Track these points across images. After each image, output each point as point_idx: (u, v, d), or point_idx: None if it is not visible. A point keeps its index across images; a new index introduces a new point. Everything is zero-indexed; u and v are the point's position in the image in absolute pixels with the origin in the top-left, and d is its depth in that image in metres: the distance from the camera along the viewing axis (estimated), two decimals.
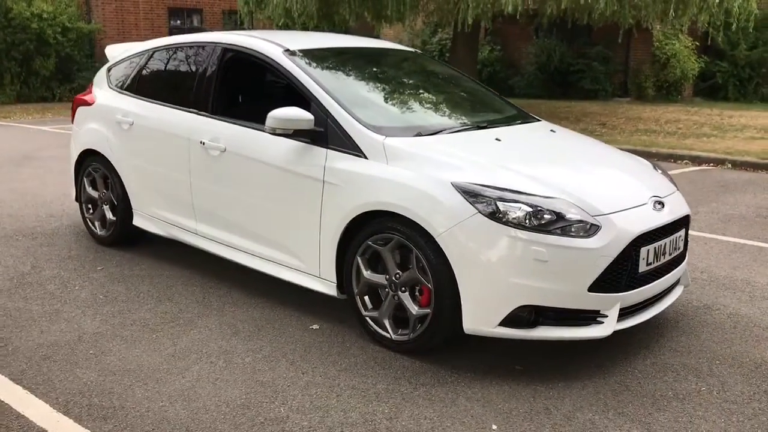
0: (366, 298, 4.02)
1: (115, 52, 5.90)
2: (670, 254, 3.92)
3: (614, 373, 3.69)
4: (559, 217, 3.49)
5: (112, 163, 5.47)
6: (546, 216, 3.48)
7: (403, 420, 3.21)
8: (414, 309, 3.77)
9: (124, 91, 5.51)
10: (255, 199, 4.46)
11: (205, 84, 4.86)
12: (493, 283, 3.50)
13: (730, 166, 10.53)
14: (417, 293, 3.79)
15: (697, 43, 19.59)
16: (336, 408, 3.31)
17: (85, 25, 20.04)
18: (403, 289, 3.82)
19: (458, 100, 4.95)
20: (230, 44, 4.85)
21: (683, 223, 4.07)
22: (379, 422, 3.19)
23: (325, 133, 4.11)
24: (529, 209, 3.49)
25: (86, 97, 5.83)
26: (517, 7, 13.12)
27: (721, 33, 14.86)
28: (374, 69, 4.95)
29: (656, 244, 3.76)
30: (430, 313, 3.69)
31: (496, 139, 4.23)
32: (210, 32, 5.38)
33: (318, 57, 4.67)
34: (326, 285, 4.19)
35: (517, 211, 3.49)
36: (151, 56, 5.41)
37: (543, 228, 3.47)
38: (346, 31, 21.07)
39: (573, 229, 3.49)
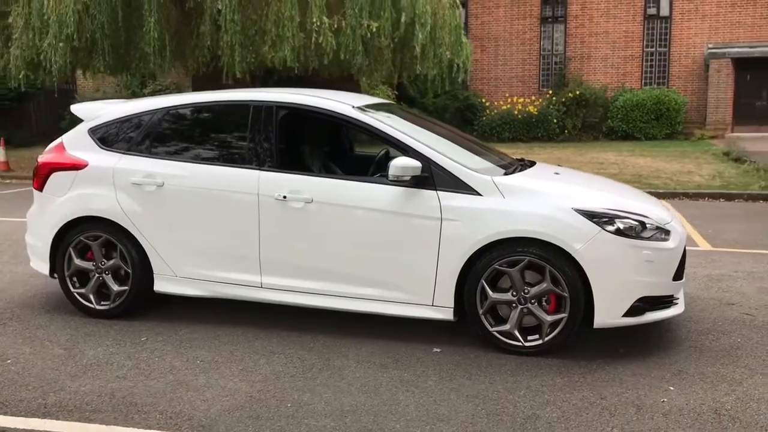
0: (488, 316, 4.68)
1: (89, 112, 5.52)
2: None
3: (681, 342, 4.90)
4: (645, 227, 4.61)
5: (125, 228, 5.19)
6: (642, 227, 4.58)
7: (614, 396, 4.03)
8: (546, 317, 4.56)
9: (132, 152, 5.26)
10: (353, 242, 4.79)
11: (263, 141, 5.00)
12: (620, 283, 4.49)
13: None
14: (544, 303, 4.59)
15: (397, 93, 22.31)
16: (560, 399, 3.98)
17: None
18: (532, 301, 4.58)
19: (477, 144, 5.77)
20: (287, 102, 5.07)
21: None
22: (599, 402, 3.96)
23: (431, 177, 4.69)
24: (634, 223, 4.56)
25: (64, 161, 5.37)
26: (285, 62, 14.00)
27: (427, 82, 17.46)
28: (411, 120, 5.51)
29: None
30: (566, 317, 4.52)
31: (556, 173, 5.23)
32: (242, 90, 5.42)
33: (375, 110, 5.16)
34: (441, 311, 4.73)
35: (626, 226, 4.53)
36: (166, 116, 5.27)
37: (643, 236, 4.56)
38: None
39: (659, 235, 4.64)
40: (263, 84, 20.35)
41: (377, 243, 4.77)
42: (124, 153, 5.29)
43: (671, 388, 4.15)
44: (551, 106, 22.14)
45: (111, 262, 5.30)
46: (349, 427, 3.67)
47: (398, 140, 4.83)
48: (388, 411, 3.86)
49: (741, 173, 14.33)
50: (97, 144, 5.38)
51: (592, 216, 4.51)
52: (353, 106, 5.04)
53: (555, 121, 21.96)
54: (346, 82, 19.31)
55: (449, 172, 4.70)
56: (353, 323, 5.15)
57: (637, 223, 4.57)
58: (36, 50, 13.43)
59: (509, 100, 22.74)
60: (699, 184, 13.10)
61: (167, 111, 5.30)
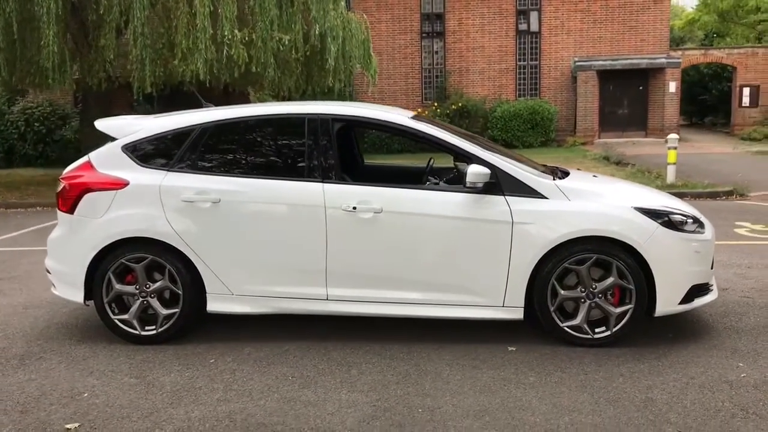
0: (557, 312, 4.94)
1: (120, 128, 5.23)
2: None
3: (712, 324, 5.40)
4: (688, 221, 5.07)
5: (176, 247, 4.97)
6: (686, 221, 5.03)
7: (700, 375, 4.41)
8: (613, 309, 4.88)
9: (178, 169, 5.05)
10: (425, 249, 4.89)
11: (323, 153, 4.98)
12: (677, 273, 4.90)
13: None
14: (609, 296, 4.92)
15: None
16: (658, 382, 4.30)
17: None
18: (600, 296, 4.89)
19: (507, 152, 5.99)
20: (344, 115, 5.09)
21: None
22: (692, 382, 4.32)
23: (497, 183, 4.89)
24: (682, 218, 4.99)
25: (99, 181, 5.05)
26: (197, 75, 13.65)
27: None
28: (441, 127, 5.60)
29: None
30: (632, 308, 4.87)
31: (594, 176, 5.57)
32: (294, 104, 5.32)
33: (424, 121, 5.29)
34: (512, 312, 4.94)
35: (676, 221, 4.96)
36: (214, 131, 5.09)
37: (687, 229, 5.01)
38: None
39: (699, 228, 5.11)
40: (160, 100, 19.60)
41: (449, 249, 4.90)
42: (168, 170, 5.07)
43: (740, 364, 4.60)
44: (437, 118, 22.87)
45: (157, 284, 5.06)
46: (496, 424, 3.79)
47: (462, 149, 5.00)
48: (516, 407, 4.01)
49: (630, 175, 15.56)
50: (134, 161, 5.11)
51: (649, 213, 4.89)
52: (409, 117, 5.14)
53: None
54: (234, 96, 19.05)
55: (515, 177, 4.92)
56: (411, 328, 5.23)
57: (683, 218, 5.00)
58: None
59: None
60: None
61: (215, 126, 5.13)
